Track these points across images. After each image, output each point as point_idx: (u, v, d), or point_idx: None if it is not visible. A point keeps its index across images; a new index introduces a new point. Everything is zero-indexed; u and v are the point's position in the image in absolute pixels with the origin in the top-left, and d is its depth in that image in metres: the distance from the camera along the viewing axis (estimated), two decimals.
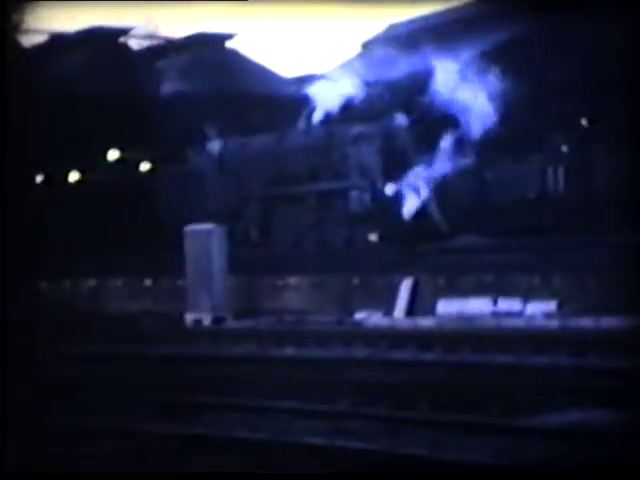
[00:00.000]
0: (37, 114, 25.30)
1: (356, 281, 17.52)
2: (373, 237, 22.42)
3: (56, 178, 29.08)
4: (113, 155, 29.61)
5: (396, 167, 22.61)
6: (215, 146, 26.21)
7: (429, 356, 13.68)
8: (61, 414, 10.08)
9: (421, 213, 21.86)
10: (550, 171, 21.83)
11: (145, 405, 10.69)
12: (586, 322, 14.47)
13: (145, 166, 29.23)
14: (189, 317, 17.65)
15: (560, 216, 20.42)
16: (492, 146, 22.27)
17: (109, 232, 25.59)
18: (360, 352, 14.35)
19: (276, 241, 24.09)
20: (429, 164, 22.24)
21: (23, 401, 8.02)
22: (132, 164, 29.30)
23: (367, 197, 22.75)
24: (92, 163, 29.07)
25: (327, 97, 24.49)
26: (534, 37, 26.71)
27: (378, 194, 22.52)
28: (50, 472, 5.77)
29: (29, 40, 30.50)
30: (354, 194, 22.97)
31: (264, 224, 24.50)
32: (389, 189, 22.36)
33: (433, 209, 21.76)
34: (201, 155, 26.44)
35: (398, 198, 22.31)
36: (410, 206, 21.80)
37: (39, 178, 29.04)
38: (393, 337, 14.90)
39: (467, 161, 22.23)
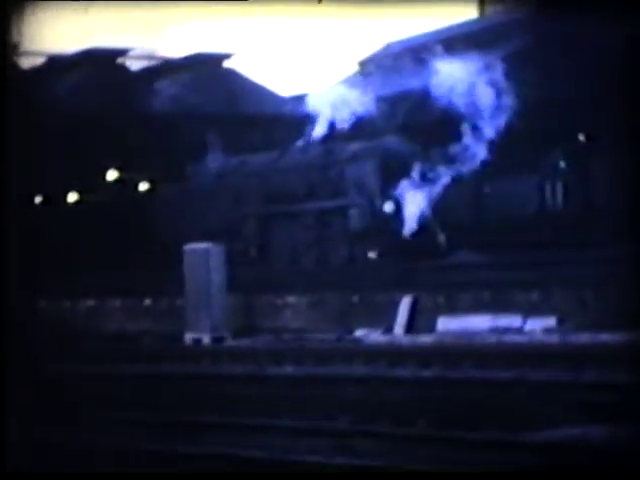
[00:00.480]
0: (36, 134, 25.36)
1: (355, 299, 17.51)
2: (372, 254, 22.44)
3: (55, 198, 29.12)
4: (112, 175, 29.67)
5: (394, 184, 22.65)
6: (214, 165, 26.27)
7: (429, 373, 13.66)
8: (60, 433, 10.07)
9: (420, 230, 21.89)
10: (548, 187, 21.86)
11: (144, 424, 10.67)
12: (585, 337, 14.46)
13: (144, 186, 29.27)
14: (188, 336, 17.65)
15: (558, 231, 20.43)
16: (491, 162, 22.31)
17: (108, 252, 25.60)
18: (360, 369, 14.33)
19: (275, 259, 24.11)
20: (428, 181, 22.27)
21: (22, 421, 8.01)
22: (131, 184, 29.35)
23: (366, 214, 22.79)
24: (91, 183, 29.12)
25: (325, 115, 24.56)
26: (531, 54, 26.80)
27: (376, 211, 22.55)
28: (50, 472, 5.78)
29: (28, 61, 30.60)
30: (353, 212, 23.02)
31: (263, 242, 24.53)
32: (388, 207, 22.39)
33: (433, 226, 21.79)
34: (200, 174, 26.48)
35: (397, 215, 22.34)
36: (410, 224, 21.83)
37: (38, 199, 29.07)
38: (393, 354, 14.88)
39: (466, 178, 22.27)
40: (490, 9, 31.00)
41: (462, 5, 30.42)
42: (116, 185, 29.66)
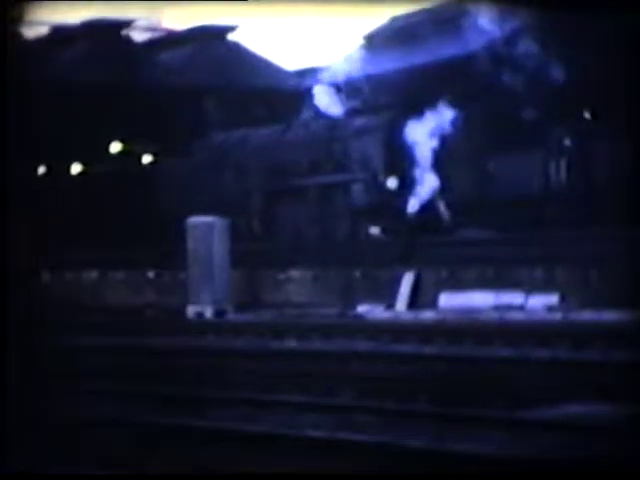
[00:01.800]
0: (39, 106, 25.32)
1: (358, 274, 17.51)
2: (375, 230, 22.42)
3: (58, 170, 29.10)
4: (115, 147, 29.61)
5: (399, 160, 22.60)
6: (217, 139, 26.21)
7: (431, 349, 13.67)
8: (62, 405, 10.10)
9: (424, 207, 21.86)
10: (553, 164, 21.80)
11: (147, 397, 10.70)
12: (588, 315, 14.46)
13: (147, 158, 29.23)
14: (191, 310, 17.67)
15: (562, 209, 20.40)
16: (495, 139, 22.25)
17: (111, 224, 25.60)
18: (362, 345, 14.35)
19: (278, 234, 24.09)
20: (433, 158, 22.22)
21: (24, 390, 8.02)
22: (134, 156, 29.30)
23: (369, 190, 22.74)
24: (94, 155, 29.08)
25: (329, 90, 24.47)
26: (538, 30, 26.65)
27: (380, 187, 22.51)
28: (50, 472, 5.75)
29: (31, 32, 30.49)
30: (356, 187, 22.96)
31: (266, 217, 24.49)
32: (391, 182, 22.35)
33: (437, 202, 21.76)
34: (203, 148, 26.43)
35: (401, 191, 22.31)
36: (414, 200, 21.79)
37: (41, 170, 29.05)
38: (395, 330, 14.89)
39: (469, 154, 22.23)
40: None
41: None
42: (120, 157, 29.60)
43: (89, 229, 25.31)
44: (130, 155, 29.39)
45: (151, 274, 20.42)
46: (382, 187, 22.48)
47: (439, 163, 22.22)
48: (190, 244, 17.82)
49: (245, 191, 24.91)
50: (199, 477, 6.12)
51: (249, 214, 24.43)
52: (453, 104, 24.51)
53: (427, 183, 22.14)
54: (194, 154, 26.61)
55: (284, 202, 24.26)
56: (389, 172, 22.55)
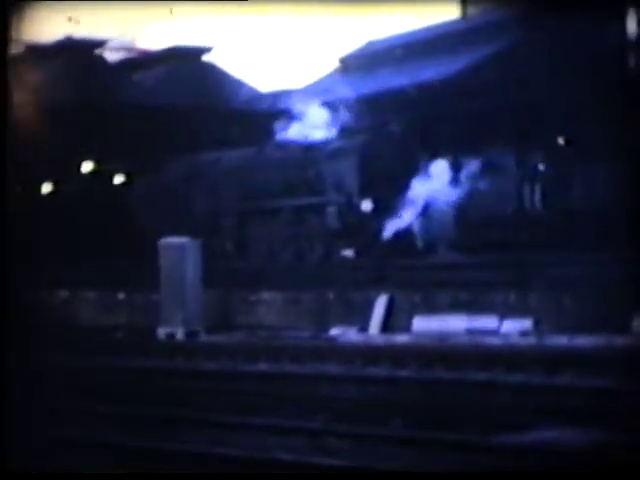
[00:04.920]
0: (11, 124, 24.96)
1: (331, 296, 17.42)
2: (348, 253, 22.35)
3: (29, 189, 28.88)
4: (87, 167, 29.44)
5: (373, 183, 22.58)
6: (191, 159, 26.12)
7: (404, 373, 13.59)
8: (29, 424, 9.94)
9: (398, 230, 21.83)
10: (527, 189, 21.86)
11: (114, 418, 10.55)
12: (561, 340, 14.44)
13: (119, 178, 29.07)
14: (162, 331, 17.50)
15: (535, 233, 20.42)
16: (469, 163, 22.29)
17: (83, 244, 25.41)
18: (334, 368, 14.24)
19: (251, 255, 23.98)
20: (407, 181, 22.22)
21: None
22: (106, 176, 29.14)
23: (343, 213, 22.70)
24: (66, 174, 28.90)
25: (304, 112, 24.45)
26: (512, 55, 26.79)
27: (354, 210, 22.47)
28: (50, 472, 5.67)
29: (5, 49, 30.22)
30: (330, 209, 22.92)
31: (239, 238, 24.39)
32: (365, 205, 22.31)
33: (412, 226, 21.72)
34: (176, 168, 26.32)
35: (375, 214, 22.27)
36: (388, 223, 21.76)
37: (13, 189, 28.78)
38: (368, 354, 14.79)
39: (443, 178, 22.24)
40: (472, 9, 31.01)
41: (444, 4, 30.38)
42: (91, 177, 29.43)
43: (59, 249, 25.11)
44: (102, 175, 29.23)
45: (122, 294, 20.24)
46: (356, 210, 22.45)
47: (413, 187, 22.22)
48: (162, 265, 17.68)
49: (218, 212, 24.81)
50: (199, 477, 6.03)
51: (222, 235, 24.33)
52: (427, 128, 24.59)
53: (401, 206, 22.13)
54: (166, 174, 26.50)
55: (257, 223, 24.18)
56: (363, 195, 22.52)
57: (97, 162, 29.32)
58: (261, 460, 8.29)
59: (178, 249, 17.66)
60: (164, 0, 25.93)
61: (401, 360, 14.12)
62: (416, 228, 21.77)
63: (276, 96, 28.03)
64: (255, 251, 24.02)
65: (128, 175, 28.68)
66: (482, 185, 21.89)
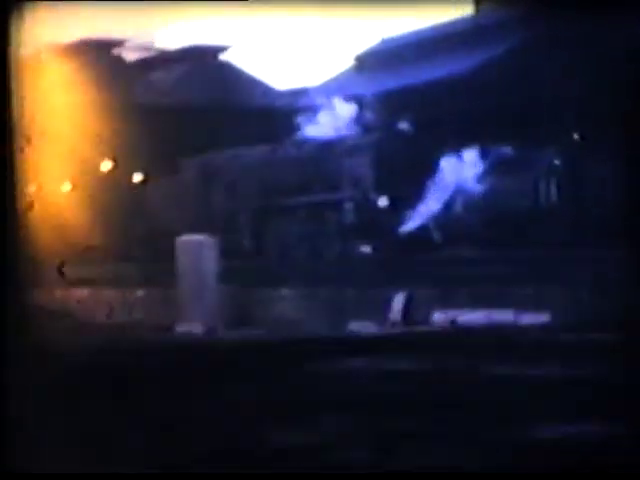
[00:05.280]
0: (30, 123, 25.14)
1: (350, 292, 17.50)
2: (366, 249, 22.43)
3: (49, 187, 29.08)
4: (106, 166, 29.63)
5: (389, 179, 22.66)
6: (208, 157, 26.25)
7: (423, 367, 13.62)
8: (49, 420, 10.04)
9: (415, 225, 21.91)
10: (543, 184, 21.90)
11: (133, 416, 10.64)
12: (577, 335, 14.48)
13: (138, 177, 29.24)
14: (180, 328, 17.63)
15: (551, 229, 20.46)
16: (487, 158, 22.35)
17: (102, 242, 25.58)
18: (354, 363, 14.28)
19: (269, 252, 24.10)
20: (423, 177, 22.28)
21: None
22: (125, 175, 29.32)
23: (360, 209, 22.79)
24: (85, 173, 29.10)
25: (321, 109, 24.56)
26: (527, 51, 26.80)
27: (371, 206, 22.56)
28: (50, 472, 5.75)
29: (25, 49, 30.44)
30: (347, 206, 23.01)
31: (257, 235, 24.51)
32: (382, 201, 22.40)
33: (428, 221, 21.80)
34: (194, 166, 26.46)
35: (392, 210, 22.35)
36: (406, 219, 21.84)
37: (32, 187, 29.01)
38: (388, 348, 14.85)
39: (459, 174, 22.29)
40: (485, 6, 31.06)
41: (458, 2, 30.42)
42: (110, 175, 29.63)
43: (80, 247, 25.28)
44: (120, 173, 29.42)
45: (140, 292, 20.38)
46: (373, 206, 22.53)
47: (430, 182, 22.28)
48: (180, 262, 17.80)
49: (236, 209, 24.94)
50: (198, 477, 6.10)
51: (240, 232, 24.46)
52: (441, 125, 24.62)
53: (417, 202, 22.19)
54: (185, 173, 26.66)
55: (275, 220, 24.30)
56: (380, 191, 22.61)
57: (116, 161, 29.51)
58: (282, 457, 8.36)
59: (196, 246, 17.77)
60: (181, 0, 26.05)
61: (420, 354, 14.15)
62: (432, 223, 21.84)
63: (293, 94, 28.15)
64: (273, 247, 24.14)
65: (146, 174, 28.85)
66: (498, 180, 21.93)
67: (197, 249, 17.70)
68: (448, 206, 21.90)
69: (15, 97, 6.86)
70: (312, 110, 24.65)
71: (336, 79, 31.18)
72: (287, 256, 23.55)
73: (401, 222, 22.07)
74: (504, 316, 15.66)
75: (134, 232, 25.94)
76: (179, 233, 21.40)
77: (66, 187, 29.52)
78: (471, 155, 22.43)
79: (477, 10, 31.17)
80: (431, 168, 22.31)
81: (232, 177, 25.31)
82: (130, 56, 33.20)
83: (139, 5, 25.55)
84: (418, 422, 9.89)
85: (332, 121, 24.37)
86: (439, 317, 16.11)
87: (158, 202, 26.59)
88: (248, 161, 25.28)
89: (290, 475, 6.26)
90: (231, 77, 32.61)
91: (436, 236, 21.73)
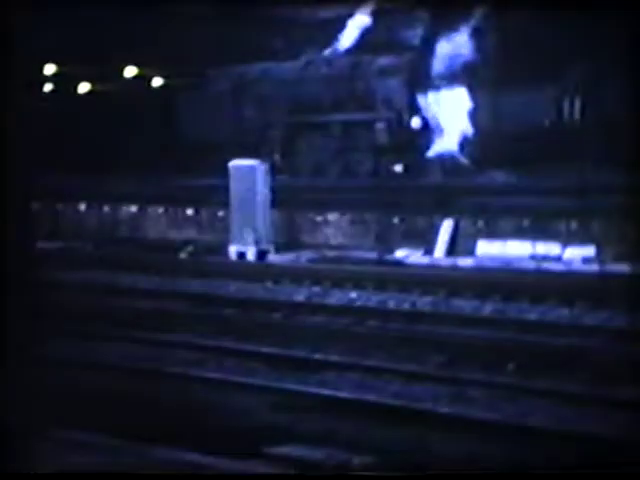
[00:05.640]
0: (49, 26, 24.91)
1: (396, 220, 17.89)
2: (398, 168, 22.75)
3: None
4: (131, 72, 29.51)
5: (422, 100, 22.81)
6: (237, 70, 26.13)
7: (465, 302, 13.64)
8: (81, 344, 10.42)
9: (446, 148, 22.18)
10: (566, 102, 22.01)
11: (180, 342, 10.98)
12: (624, 267, 14.80)
13: (159, 81, 29.08)
14: (233, 249, 18.08)
15: (576, 146, 20.54)
16: (510, 77, 22.40)
17: (139, 156, 25.71)
18: (397, 295, 14.34)
19: (299, 169, 24.31)
20: (455, 97, 22.44)
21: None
22: (148, 82, 29.22)
23: (393, 129, 22.97)
24: (110, 79, 28.95)
25: (352, 27, 24.52)
26: None
27: (404, 126, 22.75)
28: (51, 472, 6.02)
29: None
30: (379, 125, 23.16)
31: (287, 151, 24.66)
32: (415, 122, 22.60)
33: (458, 144, 22.07)
34: (223, 78, 26.35)
35: (424, 131, 22.58)
36: (437, 141, 22.10)
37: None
38: (431, 280, 14.78)
39: (484, 93, 22.42)
40: None
41: None
42: (135, 82, 29.51)
43: (118, 159, 25.43)
44: (144, 80, 29.30)
45: (190, 211, 20.72)
46: (406, 126, 22.74)
47: (461, 104, 22.45)
48: (232, 186, 18.15)
49: (266, 124, 25.00)
50: (199, 477, 6.41)
51: (270, 148, 24.58)
52: (472, 41, 24.57)
53: (450, 123, 22.41)
54: (215, 84, 26.56)
55: (306, 137, 24.43)
56: (413, 112, 22.78)
57: (141, 68, 29.40)
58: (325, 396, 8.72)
59: (249, 171, 18.11)
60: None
61: (464, 286, 14.29)
62: (464, 146, 22.12)
63: (323, 8, 27.99)
64: (303, 164, 24.35)
65: (168, 78, 28.70)
66: (520, 99, 21.93)
67: (250, 174, 18.04)
68: (478, 127, 22.10)
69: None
70: (344, 27, 24.61)
71: None
72: (317, 173, 23.76)
73: (433, 143, 22.33)
74: (550, 248, 16.06)
75: (167, 144, 26.03)
76: (211, 149, 21.55)
77: (85, 87, 29.26)
78: (499, 72, 22.46)
79: None
80: (461, 89, 22.44)
81: (262, 92, 25.25)
82: None
83: None
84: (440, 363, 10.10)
85: (364, 39, 24.37)
86: (484, 247, 16.54)
87: (187, 115, 26.47)
88: (278, 76, 25.19)
89: (290, 475, 6.63)
90: None
91: (468, 159, 22.02)
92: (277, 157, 24.39)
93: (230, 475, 6.37)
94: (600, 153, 19.57)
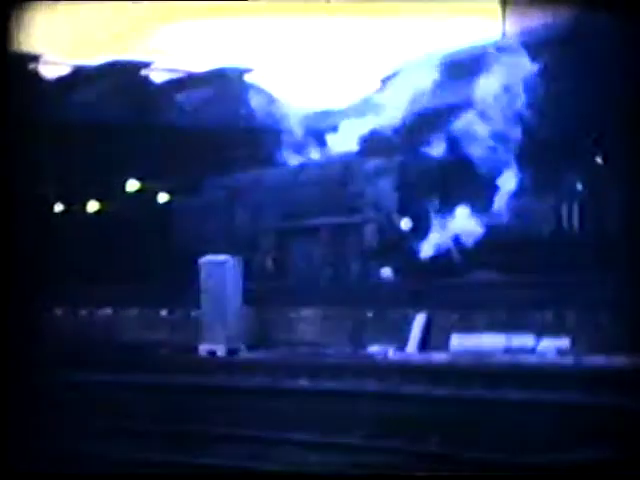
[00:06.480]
0: (57, 144, 25.56)
1: (370, 315, 17.59)
2: (387, 271, 22.48)
3: (75, 208, 29.36)
4: (132, 186, 29.86)
5: (412, 203, 22.72)
6: (232, 178, 26.41)
7: (441, 391, 13.69)
8: (70, 441, 10.16)
9: (437, 249, 21.95)
10: (565, 208, 21.89)
11: (157, 435, 10.76)
12: (599, 360, 14.48)
13: (163, 197, 29.45)
14: (203, 348, 17.77)
15: (573, 253, 20.41)
16: (508, 184, 22.37)
17: (126, 262, 25.77)
18: (373, 385, 14.38)
19: (290, 273, 24.19)
20: (446, 201, 22.34)
21: (29, 426, 8.09)
22: (150, 195, 29.54)
23: (382, 231, 22.85)
24: (111, 193, 29.34)
25: (344, 131, 24.70)
26: (549, 74, 26.81)
27: (393, 228, 22.61)
28: (50, 472, 5.81)
29: (51, 71, 30.90)
30: (369, 228, 23.06)
31: (279, 256, 24.60)
32: (405, 224, 22.45)
33: (450, 245, 21.83)
34: (217, 186, 26.61)
35: (413, 233, 22.40)
36: (427, 242, 21.89)
37: (58, 207, 29.30)
38: (406, 371, 14.92)
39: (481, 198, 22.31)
40: (512, 22, 31.04)
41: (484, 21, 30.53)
42: (136, 195, 29.84)
43: (104, 266, 25.49)
44: (146, 194, 29.63)
45: (164, 312, 20.54)
46: (395, 228, 22.59)
47: (451, 205, 22.33)
48: (203, 282, 17.95)
49: (258, 230, 25.05)
50: (200, 477, 6.15)
51: (262, 253, 24.55)
52: (464, 149, 24.65)
53: (440, 225, 22.24)
54: (208, 193, 26.81)
55: (297, 241, 24.38)
56: (402, 213, 22.67)
57: (142, 181, 29.75)
58: (298, 475, 8.46)
59: (219, 267, 17.93)
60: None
61: (439, 378, 14.22)
62: (454, 247, 21.88)
63: (317, 116, 28.29)
64: (295, 269, 24.22)
65: (172, 194, 29.05)
66: (519, 205, 21.92)
67: (220, 270, 17.86)
68: (470, 230, 21.93)
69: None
70: (336, 132, 24.79)
71: (361, 101, 31.33)
72: (309, 277, 23.61)
73: (423, 245, 22.11)
74: (524, 340, 15.69)
75: (158, 252, 26.09)
76: (202, 253, 21.47)
77: (93, 206, 29.75)
78: (492, 179, 22.45)
79: (503, 31, 31.17)
80: (454, 191, 22.37)
81: (255, 198, 25.43)
82: (157, 77, 33.50)
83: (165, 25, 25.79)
84: (435, 445, 9.96)
85: (355, 143, 24.50)
86: (458, 341, 16.16)
87: (182, 222, 26.72)
88: (271, 182, 25.39)
89: (290, 475, 6.33)
90: (257, 98, 32.82)
91: (457, 260, 21.75)
92: (269, 262, 24.30)
93: (230, 475, 6.12)
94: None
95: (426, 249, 22.06)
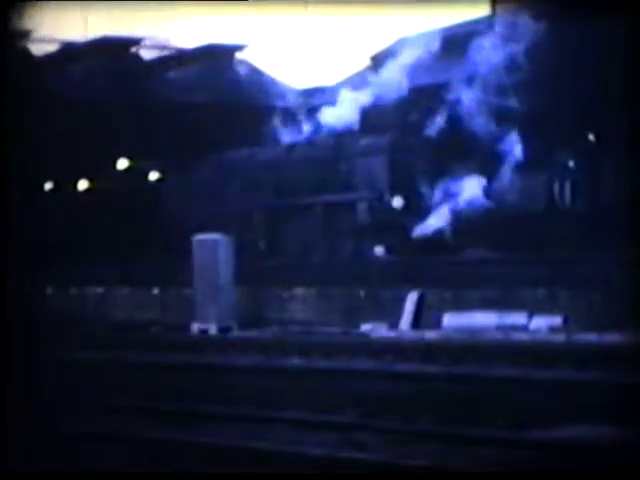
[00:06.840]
0: (47, 122, 25.41)
1: (362, 293, 17.57)
2: (380, 249, 22.46)
3: (65, 186, 29.24)
4: (122, 164, 29.74)
5: (404, 180, 22.68)
6: (224, 156, 26.33)
7: (434, 369, 13.69)
8: (62, 419, 10.12)
9: (429, 227, 21.92)
10: (557, 185, 21.87)
11: (149, 413, 10.74)
12: (591, 337, 14.49)
13: (154, 175, 29.36)
14: (195, 326, 17.74)
15: (566, 230, 20.42)
16: (501, 161, 22.33)
17: (117, 240, 25.69)
18: (365, 364, 14.37)
19: (283, 251, 24.15)
20: (438, 178, 22.30)
21: (24, 404, 8.05)
22: (141, 173, 29.43)
23: (375, 209, 22.81)
24: (102, 172, 29.23)
25: (337, 109, 24.59)
26: (545, 50, 26.72)
27: (386, 206, 22.58)
28: (50, 472, 5.80)
29: (40, 48, 30.68)
30: (361, 206, 23.02)
31: (271, 235, 24.57)
32: (397, 202, 22.41)
33: (443, 224, 21.81)
34: (210, 164, 26.54)
35: (406, 211, 22.37)
36: (420, 220, 21.85)
37: (48, 185, 29.19)
38: (398, 349, 14.92)
39: (476, 176, 22.28)
40: (502, 7, 30.95)
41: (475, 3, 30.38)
42: (127, 174, 29.73)
43: (95, 245, 25.40)
44: (137, 172, 29.52)
45: (156, 290, 20.49)
46: (388, 206, 22.55)
47: (444, 183, 22.30)
48: (196, 261, 17.90)
49: (251, 208, 25.00)
50: (200, 477, 6.15)
51: (255, 231, 24.51)
52: (456, 126, 24.59)
53: (432, 203, 22.20)
54: (200, 171, 26.73)
55: (289, 220, 24.33)
56: (395, 191, 22.63)
57: (132, 159, 29.63)
58: (291, 454, 8.44)
59: (211, 245, 17.87)
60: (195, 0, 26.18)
61: (431, 356, 14.23)
62: (447, 225, 21.85)
63: (308, 93, 28.19)
64: (287, 247, 24.19)
65: (163, 172, 28.96)
66: (513, 183, 21.91)
67: (212, 248, 17.80)
68: (462, 208, 21.91)
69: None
70: (328, 109, 24.69)
71: (352, 78, 31.22)
72: (301, 255, 23.57)
73: (415, 223, 22.08)
74: (516, 318, 15.69)
75: (150, 230, 26.02)
76: (195, 232, 21.42)
77: (83, 185, 29.64)
78: (485, 157, 22.42)
79: (493, 10, 31.07)
80: (446, 169, 22.33)
81: (247, 176, 25.37)
82: (147, 54, 33.32)
83: (156, 4, 25.66)
84: (427, 423, 9.95)
85: (347, 121, 24.40)
86: (450, 318, 16.15)
87: (174, 200, 26.67)
88: (263, 160, 25.33)
89: (290, 475, 6.31)
90: (248, 76, 32.69)
91: (450, 238, 21.72)
92: (262, 241, 24.27)
93: (230, 475, 6.09)
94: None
95: (419, 227, 22.03)
